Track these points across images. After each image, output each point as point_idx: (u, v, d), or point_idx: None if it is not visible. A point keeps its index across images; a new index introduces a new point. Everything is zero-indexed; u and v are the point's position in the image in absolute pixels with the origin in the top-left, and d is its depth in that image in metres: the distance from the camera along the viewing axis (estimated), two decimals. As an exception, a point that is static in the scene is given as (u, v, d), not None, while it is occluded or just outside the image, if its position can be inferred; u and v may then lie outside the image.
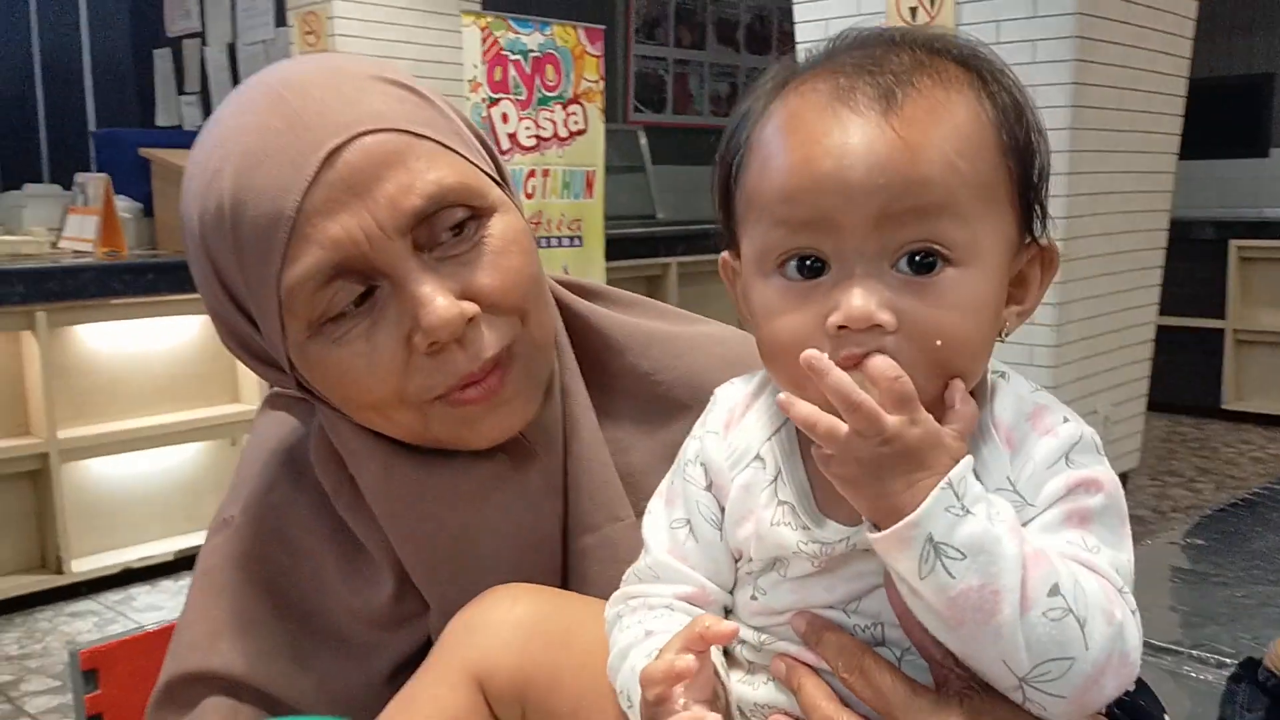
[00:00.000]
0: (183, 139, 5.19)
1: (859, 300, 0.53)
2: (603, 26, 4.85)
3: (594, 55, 4.70)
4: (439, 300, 0.65)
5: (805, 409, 0.52)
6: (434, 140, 0.68)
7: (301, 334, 0.67)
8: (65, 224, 4.20)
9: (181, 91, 6.33)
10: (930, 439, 0.51)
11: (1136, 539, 0.57)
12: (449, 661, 0.67)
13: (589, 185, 4.64)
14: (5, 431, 3.56)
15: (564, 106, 4.59)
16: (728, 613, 0.63)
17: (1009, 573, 0.50)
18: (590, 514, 0.75)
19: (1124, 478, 4.04)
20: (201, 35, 6.09)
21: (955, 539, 0.50)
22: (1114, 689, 0.53)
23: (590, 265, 4.64)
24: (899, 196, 0.53)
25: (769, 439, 0.61)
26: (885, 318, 0.53)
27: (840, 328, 0.53)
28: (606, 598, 0.67)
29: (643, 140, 6.43)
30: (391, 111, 0.67)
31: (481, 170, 0.70)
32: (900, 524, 0.50)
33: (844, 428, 0.51)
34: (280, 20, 5.24)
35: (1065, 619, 0.50)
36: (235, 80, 5.86)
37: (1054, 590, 0.51)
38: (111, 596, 3.63)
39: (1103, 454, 0.57)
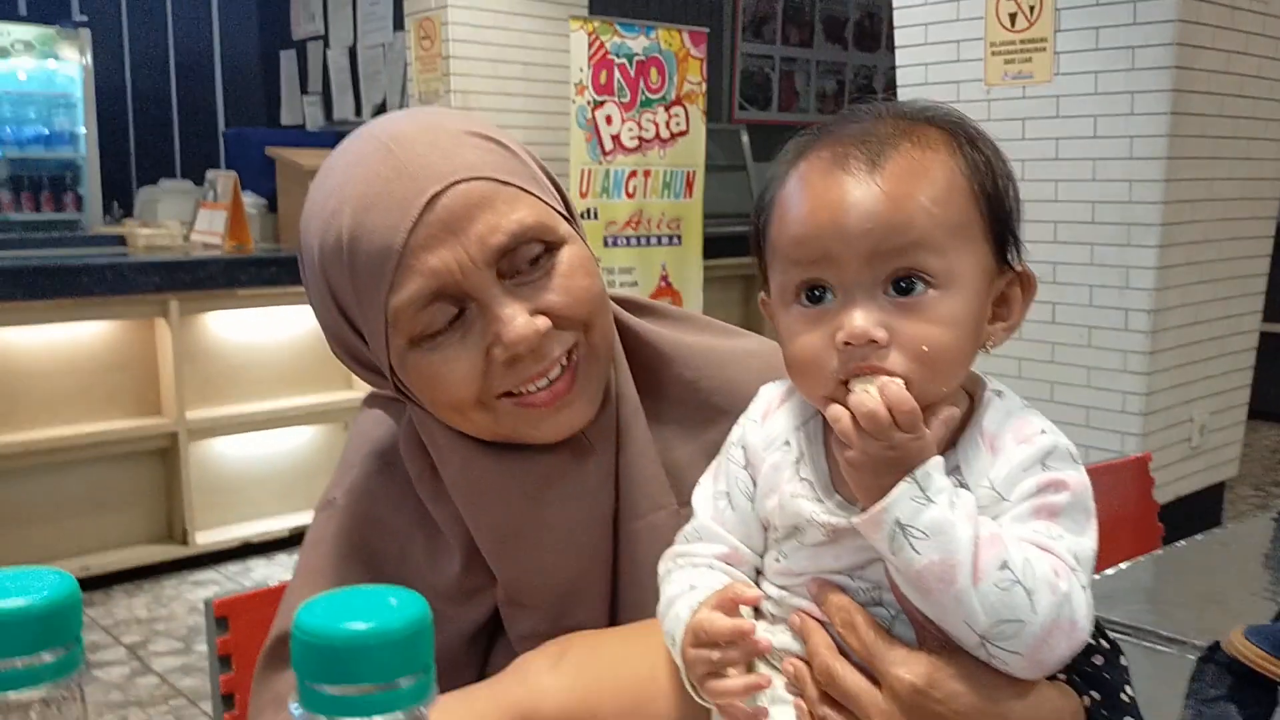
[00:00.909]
0: (305, 139, 5.47)
1: (858, 320, 0.65)
2: (706, 29, 4.94)
3: (697, 58, 4.80)
4: (518, 319, 0.78)
5: (841, 411, 0.64)
6: (516, 186, 0.80)
7: (402, 346, 0.79)
8: (196, 218, 4.48)
9: (305, 91, 6.63)
10: (923, 449, 0.63)
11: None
12: (499, 695, 0.79)
13: (689, 185, 4.74)
14: (138, 412, 3.83)
15: (666, 108, 4.70)
16: (758, 573, 0.75)
17: (963, 550, 0.61)
18: (638, 503, 0.87)
19: (1222, 487, 4.00)
20: (324, 38, 6.38)
21: (918, 522, 0.62)
22: (1065, 649, 0.64)
23: (688, 263, 4.75)
24: (884, 238, 0.65)
25: (797, 429, 0.73)
26: (879, 334, 0.65)
27: (845, 343, 0.65)
28: (647, 580, 0.80)
29: (745, 139, 6.50)
30: (481, 162, 0.79)
31: (554, 209, 0.83)
32: (874, 509, 0.63)
33: (859, 436, 0.63)
34: (398, 24, 5.46)
35: (1014, 588, 0.61)
36: (354, 81, 6.13)
37: (1004, 565, 0.62)
38: (231, 568, 3.88)
39: (1077, 461, 0.68)
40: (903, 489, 0.62)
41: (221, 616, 1.09)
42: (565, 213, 0.85)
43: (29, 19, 6.80)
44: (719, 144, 6.21)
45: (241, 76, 7.35)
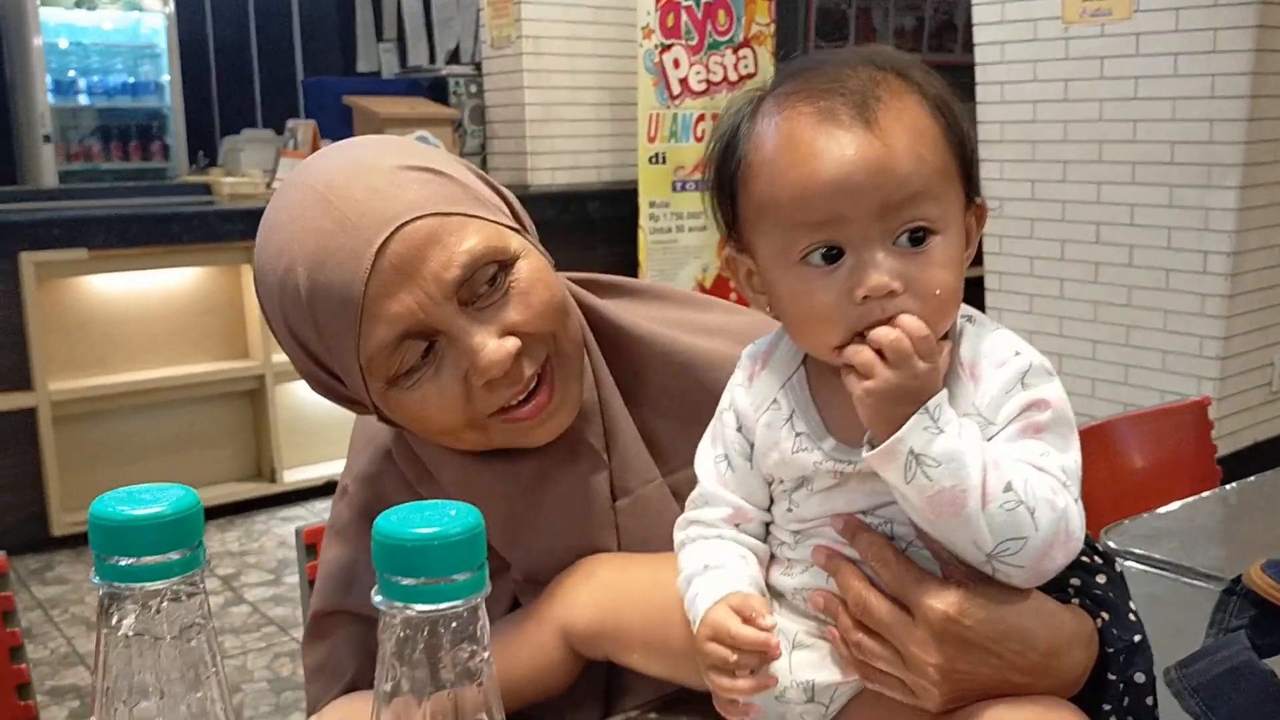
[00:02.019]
0: (380, 86, 5.55)
1: (875, 275, 0.68)
2: (777, -30, 4.90)
3: (766, -1, 4.77)
4: (489, 345, 0.79)
5: (862, 346, 0.68)
6: (460, 214, 0.80)
7: (381, 387, 0.82)
8: (278, 166, 4.60)
9: (380, 39, 6.71)
10: (933, 380, 0.67)
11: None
12: (540, 614, 0.87)
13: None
14: (227, 355, 4.00)
15: (734, 50, 4.69)
16: (767, 527, 0.80)
17: (973, 475, 0.66)
18: (625, 480, 0.91)
19: (1302, 432, 3.93)
20: (399, -15, 6.43)
21: (931, 451, 0.66)
22: (1062, 559, 0.69)
23: (758, 207, 4.75)
24: (892, 192, 0.67)
25: (782, 387, 0.77)
26: (896, 285, 0.68)
27: (865, 298, 0.68)
28: (644, 549, 0.86)
29: (774, 74, 6.44)
30: (421, 198, 0.79)
31: (502, 224, 0.84)
32: (889, 440, 0.67)
33: (883, 366, 0.67)
34: (471, -29, 5.49)
35: (1018, 509, 0.66)
36: (429, 28, 6.19)
37: (1008, 488, 0.66)
38: (317, 505, 4.05)
39: (1053, 374, 0.72)
40: (916, 420, 0.66)
41: (310, 544, 1.19)
42: (513, 223, 0.86)
43: (114, -28, 6.97)
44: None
45: (318, 25, 7.46)
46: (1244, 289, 3.52)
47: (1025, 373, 0.71)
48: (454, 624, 0.39)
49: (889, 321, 0.68)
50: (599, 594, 0.86)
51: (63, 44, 6.70)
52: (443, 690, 0.39)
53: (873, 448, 0.68)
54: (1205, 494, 1.41)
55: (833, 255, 0.70)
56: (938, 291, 0.69)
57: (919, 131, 0.70)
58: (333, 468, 4.14)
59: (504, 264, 0.82)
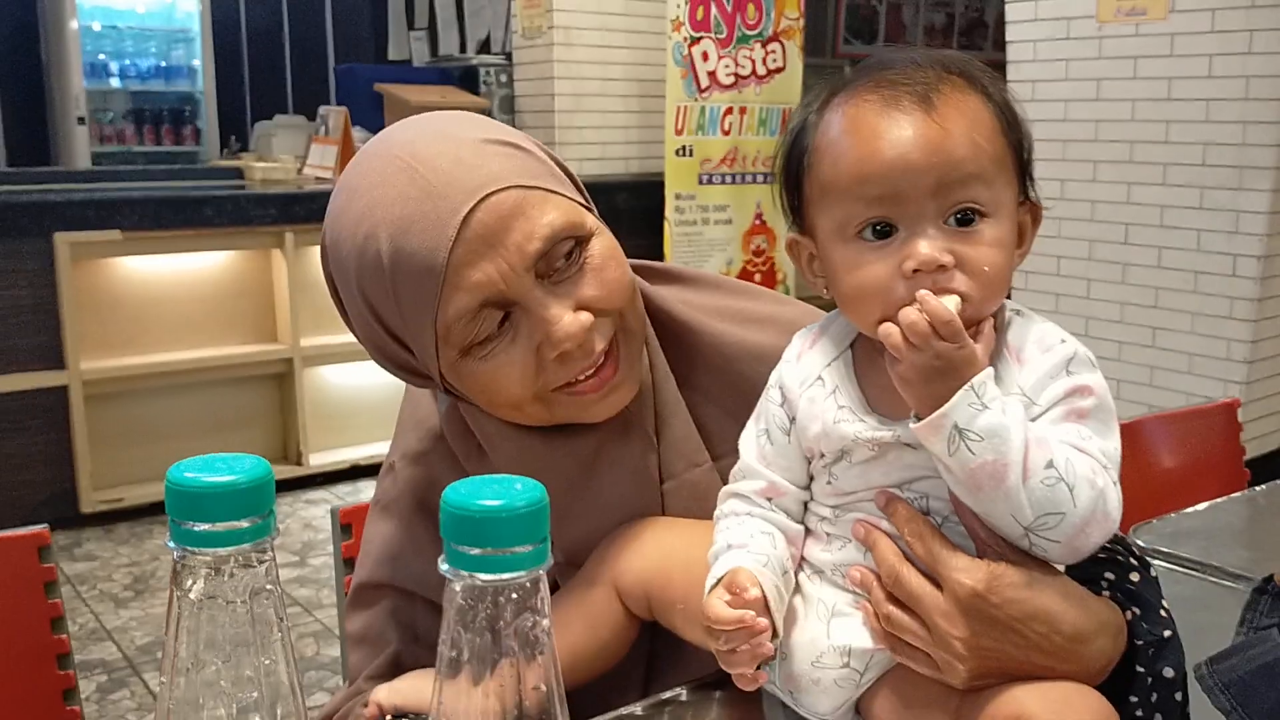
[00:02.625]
0: (411, 75, 5.58)
1: (926, 249, 0.71)
2: (809, -36, 4.90)
3: (798, -7, 4.77)
4: (565, 318, 0.82)
5: (891, 328, 0.71)
6: (541, 189, 0.83)
7: (454, 356, 0.83)
8: (309, 152, 4.64)
9: (411, 27, 6.74)
10: (967, 358, 0.69)
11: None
12: (592, 570, 0.90)
13: (784, 123, 4.71)
14: (256, 338, 4.04)
15: (763, 44, 4.69)
16: (805, 506, 0.82)
17: (1014, 450, 0.68)
18: (673, 463, 0.93)
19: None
20: (431, -27, 6.46)
21: (975, 426, 0.68)
22: (1099, 537, 0.70)
23: (786, 202, 4.76)
24: (947, 172, 0.71)
25: (828, 365, 0.80)
26: (946, 258, 0.71)
27: (915, 270, 0.71)
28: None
29: (847, 73, 6.43)
30: (504, 170, 0.81)
31: (577, 203, 0.87)
32: (935, 414, 0.69)
33: (907, 348, 0.70)
34: (502, -40, 5.51)
35: (1058, 485, 0.68)
36: (460, 17, 6.21)
37: (1049, 465, 0.68)
38: (342, 488, 4.08)
39: (1095, 365, 0.74)
40: (961, 396, 0.68)
41: (346, 524, 1.21)
42: (585, 203, 0.89)
43: (149, -43, 7.02)
44: (820, 79, 6.15)
45: (350, 12, 7.49)
46: (1273, 293, 3.49)
47: (1070, 360, 0.73)
48: (516, 594, 0.41)
49: (940, 293, 0.71)
50: (648, 550, 0.88)
51: (97, 27, 6.76)
52: (504, 659, 0.41)
53: (919, 420, 0.70)
54: (1233, 495, 1.41)
55: (886, 231, 0.74)
56: (986, 269, 0.72)
57: (977, 122, 0.73)
58: (358, 452, 4.17)
59: (580, 240, 0.84)
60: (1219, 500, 1.39)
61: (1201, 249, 3.54)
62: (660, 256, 4.54)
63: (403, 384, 0.99)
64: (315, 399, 4.12)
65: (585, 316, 0.83)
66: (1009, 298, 0.78)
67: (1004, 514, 0.70)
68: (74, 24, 6.55)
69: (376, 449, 4.18)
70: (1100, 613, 0.75)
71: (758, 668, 0.75)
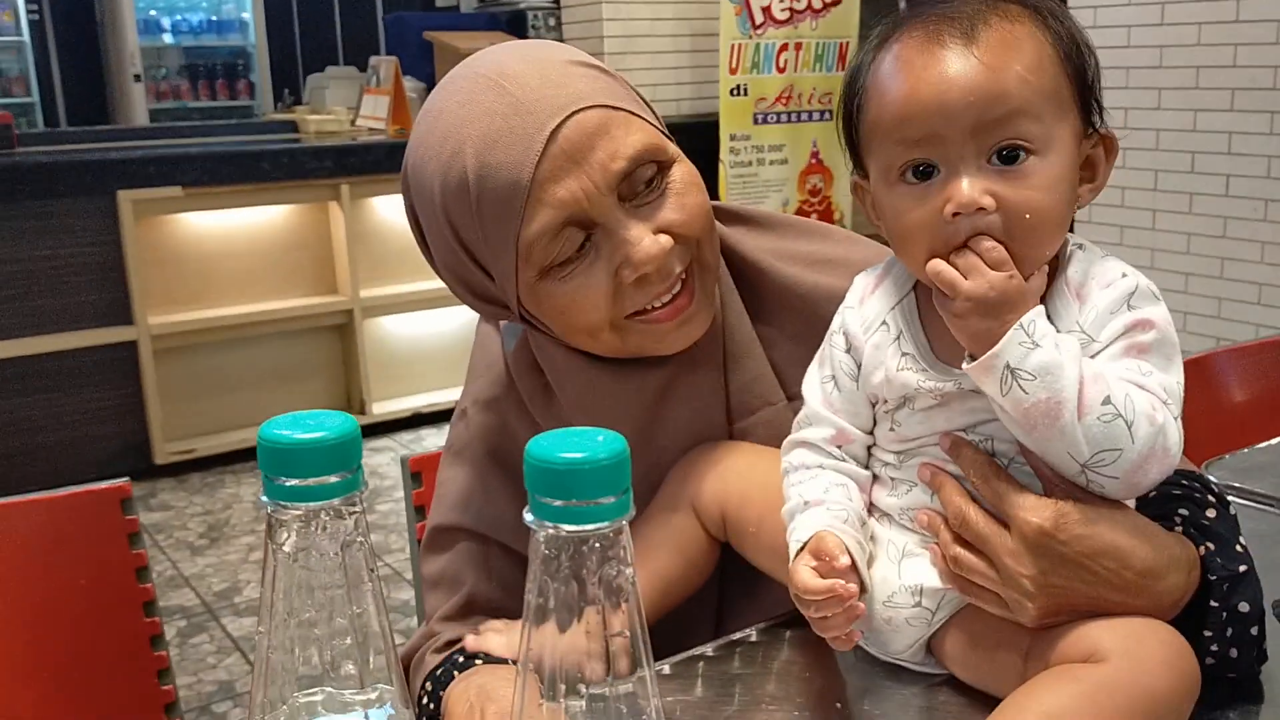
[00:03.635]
0: (459, 21, 5.55)
1: (965, 191, 0.70)
2: (862, -107, 4.77)
3: (852, -76, 4.66)
4: (645, 240, 0.83)
5: (943, 266, 0.70)
6: (626, 110, 0.84)
7: (533, 277, 0.84)
8: (361, 103, 4.65)
9: (458, -28, 6.70)
10: (1017, 289, 0.69)
11: None
12: (671, 492, 0.91)
13: (842, 58, 4.66)
14: (317, 290, 4.09)
15: (819, -22, 4.59)
16: (869, 451, 0.82)
17: (1069, 388, 0.67)
18: (749, 401, 0.94)
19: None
20: (476, -83, 6.39)
21: (1027, 364, 0.68)
22: (1157, 474, 0.70)
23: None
24: (987, 109, 0.69)
25: (892, 309, 0.79)
26: (987, 201, 0.69)
27: (955, 214, 0.70)
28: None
29: (902, 4, 6.29)
30: (591, 90, 0.83)
31: (658, 129, 0.87)
32: (985, 355, 0.69)
33: (964, 280, 0.69)
34: (548, -98, 5.43)
35: (1115, 421, 0.68)
36: (506, -40, 6.15)
37: (1106, 400, 0.68)
38: (405, 436, 4.15)
39: (1159, 298, 0.73)
40: (1011, 335, 0.68)
41: (416, 471, 1.23)
42: (666, 132, 0.89)
43: (197, -90, 7.04)
44: (874, 10, 6.04)
45: (397, -40, 7.46)
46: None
47: (1131, 294, 0.72)
48: (599, 544, 0.42)
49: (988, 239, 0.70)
50: (725, 471, 0.89)
51: (148, -18, 6.82)
52: (589, 606, 0.42)
53: (974, 360, 0.70)
54: (1305, 429, 1.39)
55: (928, 172, 0.72)
56: (1027, 216, 0.70)
57: (1026, 54, 0.71)
58: (419, 400, 4.23)
59: (663, 165, 0.85)
60: (1289, 435, 1.37)
61: (1271, 176, 3.44)
62: (715, 198, 4.50)
63: (467, 331, 1.00)
64: (376, 349, 4.18)
65: (665, 239, 0.84)
66: (1072, 230, 0.76)
67: (1060, 451, 0.70)
68: (126, -19, 6.61)
69: (437, 397, 4.23)
70: (1172, 548, 0.74)
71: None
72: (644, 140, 0.83)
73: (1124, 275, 0.73)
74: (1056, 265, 0.74)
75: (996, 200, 0.70)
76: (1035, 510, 0.71)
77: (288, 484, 0.44)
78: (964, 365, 0.71)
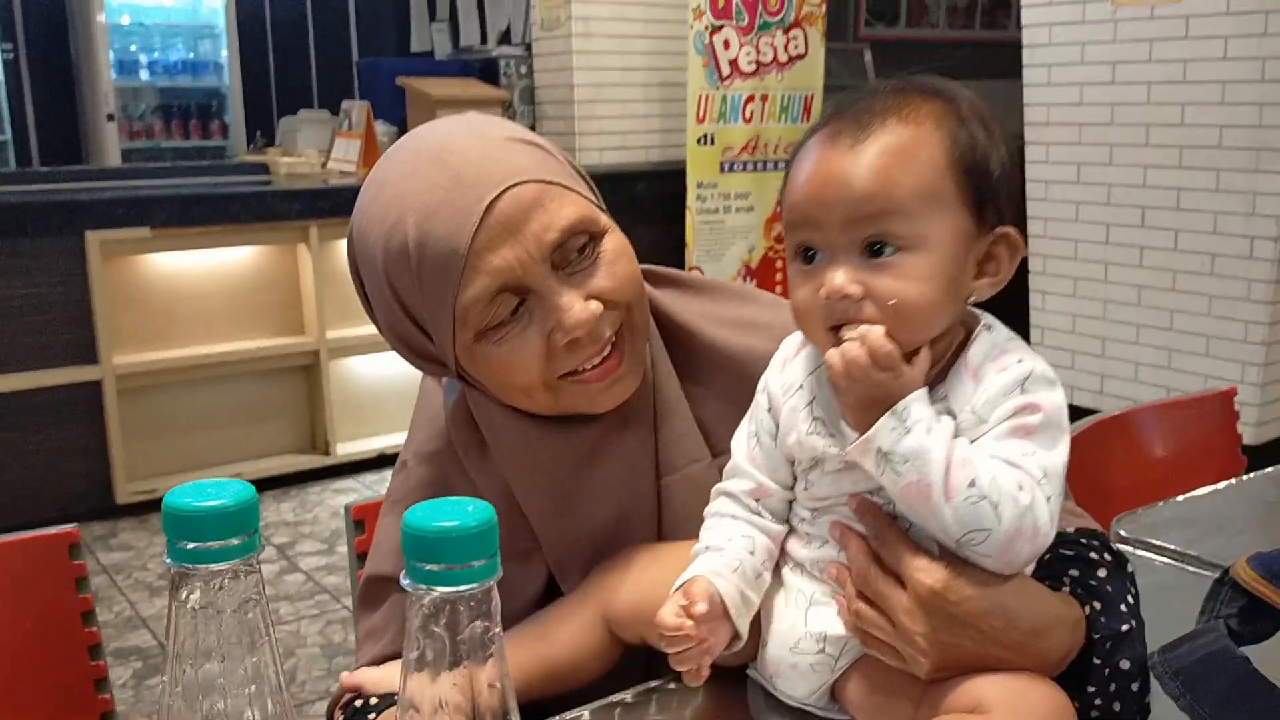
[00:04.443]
0: (432, 67, 5.62)
1: (836, 278, 0.76)
2: (827, -50, 4.90)
3: (817, -21, 4.77)
4: (576, 306, 0.87)
5: (835, 361, 0.75)
6: (560, 185, 0.89)
7: (470, 339, 0.88)
8: (333, 146, 4.71)
9: (433, 19, 6.79)
10: (904, 386, 0.74)
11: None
12: (584, 596, 0.95)
13: (807, 109, 4.75)
14: (283, 331, 4.12)
15: (785, 31, 4.70)
16: (790, 504, 0.87)
17: (935, 471, 0.72)
18: (673, 458, 0.98)
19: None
20: (451, -35, 6.50)
21: (898, 449, 0.73)
22: (1030, 551, 0.74)
23: (805, 188, 4.77)
24: (857, 206, 0.75)
25: (810, 374, 0.84)
26: (853, 289, 0.75)
27: (826, 297, 0.76)
28: (689, 527, 0.91)
29: (867, 58, 6.42)
30: (528, 165, 0.88)
31: (592, 202, 0.93)
32: (861, 440, 0.74)
33: (846, 379, 0.74)
34: (521, -49, 5.54)
35: (980, 503, 0.72)
36: (480, 7, 6.25)
37: (972, 484, 0.72)
38: (369, 477, 4.16)
39: (1055, 384, 0.77)
40: (883, 422, 0.73)
41: (359, 519, 1.27)
42: (600, 204, 0.94)
43: (176, -47, 7.12)
44: (842, 63, 6.15)
45: (373, 5, 7.55)
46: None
47: (1025, 379, 0.76)
48: (470, 604, 0.46)
49: (854, 321, 0.75)
50: (637, 579, 0.93)
51: (125, 22, 6.86)
52: (460, 660, 0.46)
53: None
54: (1220, 484, 1.44)
55: (812, 256, 0.78)
56: (892, 302, 0.75)
57: (908, 157, 0.76)
58: (384, 441, 4.25)
59: (594, 235, 0.90)
60: (1206, 489, 1.43)
61: (1218, 231, 3.54)
62: (682, 245, 4.57)
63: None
64: (341, 390, 4.20)
65: (595, 305, 0.88)
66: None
67: (937, 529, 0.75)
68: (102, 19, 6.65)
69: (402, 438, 4.23)
70: (1057, 608, 0.79)
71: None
72: (576, 213, 0.88)
73: (1020, 361, 0.77)
74: (960, 346, 0.79)
75: (865, 288, 0.75)
76: (928, 572, 0.76)
77: (189, 547, 0.48)
78: (847, 449, 0.76)
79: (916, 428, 0.73)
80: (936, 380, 0.78)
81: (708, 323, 1.02)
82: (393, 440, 4.24)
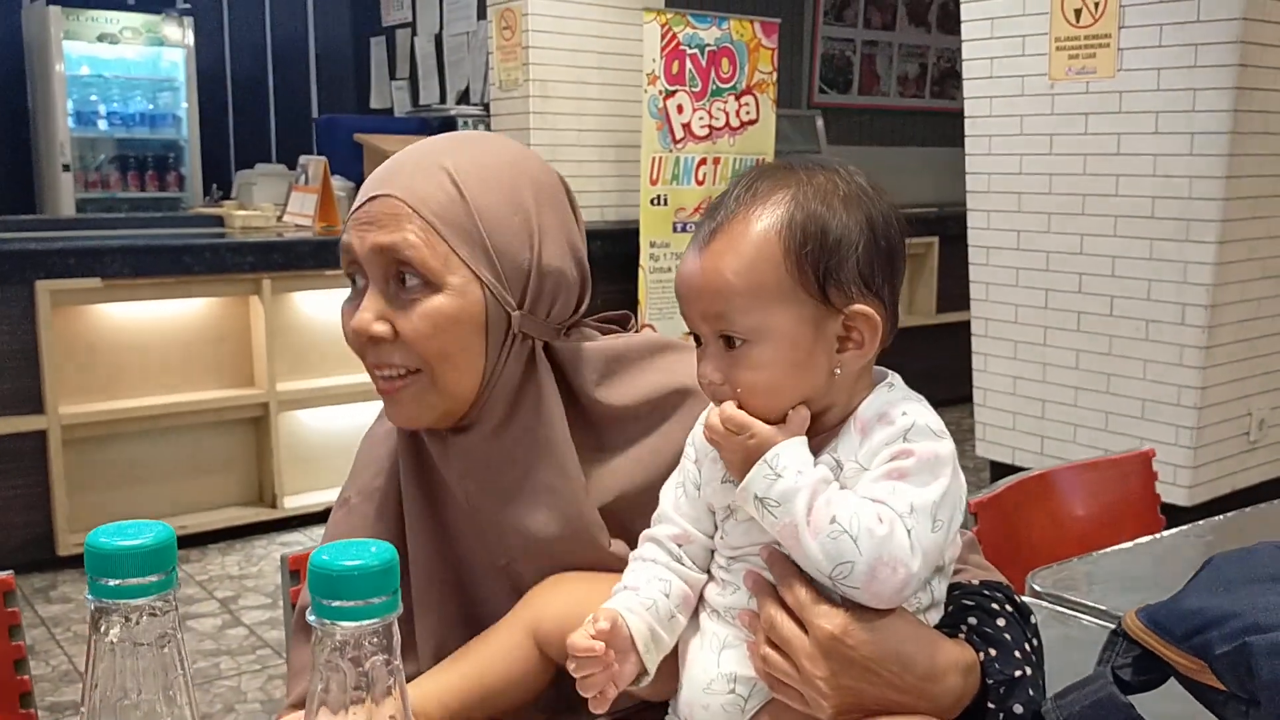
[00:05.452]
0: (391, 124, 5.70)
1: (703, 366, 0.84)
2: (778, 20, 5.04)
3: (769, 48, 4.92)
4: (366, 314, 0.96)
5: (703, 426, 0.84)
6: (428, 223, 0.95)
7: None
8: (289, 200, 4.74)
9: (393, 77, 6.88)
10: (760, 444, 0.80)
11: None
12: (513, 619, 0.99)
13: (758, 173, 4.86)
14: (233, 383, 4.11)
15: (737, 98, 4.83)
16: (712, 553, 0.91)
17: (799, 513, 0.78)
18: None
19: (1280, 482, 4.01)
20: (412, 26, 6.61)
21: (771, 493, 0.79)
22: (894, 582, 0.78)
23: (756, 249, 4.87)
24: (705, 305, 0.82)
25: None
26: (714, 377, 0.83)
27: (700, 380, 0.84)
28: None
29: (819, 123, 6.58)
30: (422, 193, 0.96)
31: (461, 260, 0.96)
32: (740, 487, 0.80)
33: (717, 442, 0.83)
34: (481, 14, 5.66)
35: (841, 537, 0.77)
36: (440, 67, 6.35)
37: (833, 520, 0.77)
38: (316, 531, 4.14)
39: (939, 435, 0.82)
40: (755, 470, 0.80)
41: (295, 570, 1.29)
42: (485, 273, 0.97)
43: (137, 8, 7.17)
44: (794, 128, 6.31)
45: (333, 62, 7.64)
46: (1221, 340, 3.61)
47: (907, 430, 0.81)
48: (372, 638, 0.49)
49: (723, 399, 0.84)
50: (566, 599, 0.96)
51: (84, 72, 6.88)
52: (363, 693, 0.49)
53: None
54: (1133, 542, 1.50)
55: (698, 339, 0.86)
56: (739, 390, 0.82)
57: (744, 256, 0.81)
58: (331, 494, 4.19)
59: (426, 280, 0.95)
60: (1118, 547, 1.48)
61: (1151, 298, 3.66)
62: (635, 302, 4.64)
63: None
64: (290, 443, 4.19)
65: (380, 328, 0.96)
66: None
67: (811, 567, 0.79)
68: (60, 69, 6.67)
69: (351, 492, 4.23)
70: (950, 652, 0.83)
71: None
72: (410, 250, 0.94)
73: (904, 414, 0.82)
74: (856, 402, 0.84)
75: (723, 376, 0.82)
76: (828, 617, 0.80)
77: (110, 583, 0.51)
78: (735, 495, 0.82)
79: (786, 473, 0.79)
80: (829, 434, 0.83)
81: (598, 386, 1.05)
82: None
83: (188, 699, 0.53)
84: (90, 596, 0.51)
